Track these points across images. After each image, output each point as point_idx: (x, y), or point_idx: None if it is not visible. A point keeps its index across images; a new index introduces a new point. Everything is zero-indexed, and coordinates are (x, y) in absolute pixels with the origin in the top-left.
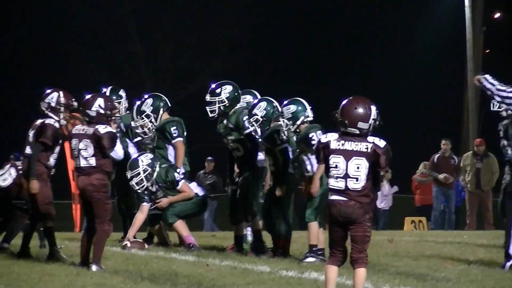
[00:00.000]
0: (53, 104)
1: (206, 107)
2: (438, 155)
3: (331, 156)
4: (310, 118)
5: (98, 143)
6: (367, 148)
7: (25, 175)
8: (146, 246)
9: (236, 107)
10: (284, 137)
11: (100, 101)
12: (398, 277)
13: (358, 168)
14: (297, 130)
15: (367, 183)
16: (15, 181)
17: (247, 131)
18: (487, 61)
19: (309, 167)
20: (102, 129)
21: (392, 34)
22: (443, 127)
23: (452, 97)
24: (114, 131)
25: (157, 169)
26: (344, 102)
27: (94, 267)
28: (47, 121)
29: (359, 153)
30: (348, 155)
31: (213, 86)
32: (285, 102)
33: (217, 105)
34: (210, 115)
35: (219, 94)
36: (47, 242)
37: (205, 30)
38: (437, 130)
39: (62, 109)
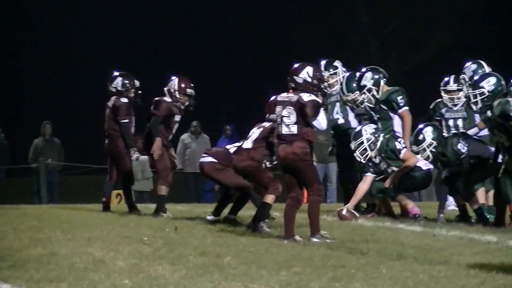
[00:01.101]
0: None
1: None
2: None
3: None
4: None
5: (301, 111)
6: None
7: None
8: (358, 216)
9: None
10: None
11: (309, 69)
12: None
13: None
14: None
15: None
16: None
17: None
18: None
19: None
20: (306, 97)
21: None
22: None
23: None
24: (318, 100)
25: (381, 138)
26: None
27: (314, 240)
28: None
29: None
30: None
31: (476, 78)
32: None
33: (478, 97)
34: (474, 107)
35: (482, 86)
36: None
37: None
38: None
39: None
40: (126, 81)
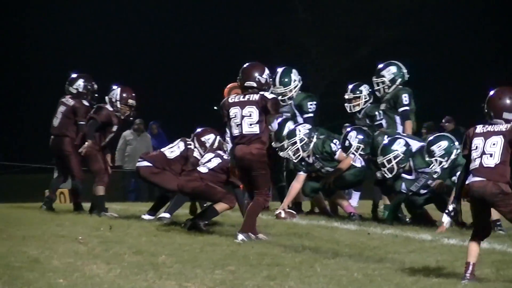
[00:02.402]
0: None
1: None
2: None
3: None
4: None
5: (265, 109)
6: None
7: None
8: (296, 215)
9: None
10: None
11: (262, 69)
12: None
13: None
14: None
15: None
16: (183, 155)
17: None
18: None
19: None
20: (268, 94)
21: None
22: None
23: None
24: (278, 98)
25: (314, 139)
26: (490, 93)
27: (240, 237)
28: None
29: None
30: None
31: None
32: None
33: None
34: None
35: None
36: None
37: None
38: None
39: None
40: (87, 84)
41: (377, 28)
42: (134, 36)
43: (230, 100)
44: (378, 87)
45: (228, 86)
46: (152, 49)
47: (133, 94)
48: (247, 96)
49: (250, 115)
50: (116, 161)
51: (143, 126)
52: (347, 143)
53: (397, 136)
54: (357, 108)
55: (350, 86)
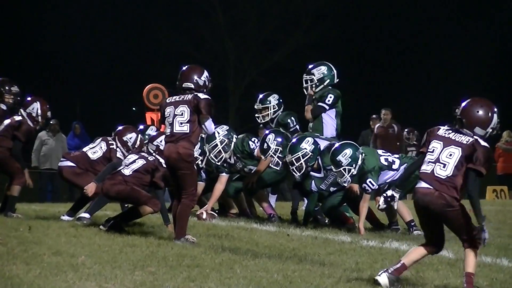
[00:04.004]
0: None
1: None
2: None
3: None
4: None
5: (197, 108)
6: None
7: None
8: (217, 217)
9: None
10: None
11: (199, 72)
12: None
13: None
14: None
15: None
16: (105, 155)
17: None
18: None
19: None
20: (202, 95)
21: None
22: None
23: None
24: (211, 99)
25: (234, 140)
26: (468, 101)
27: (177, 242)
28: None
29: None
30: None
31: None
32: None
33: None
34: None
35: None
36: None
37: (289, 0)
38: None
39: None
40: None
41: (295, 31)
42: (55, 37)
43: (167, 101)
44: (306, 85)
45: (147, 87)
46: (74, 51)
47: (48, 106)
48: (182, 96)
49: (181, 114)
50: (32, 162)
51: (58, 126)
52: (265, 145)
53: (306, 134)
54: (267, 119)
55: (260, 96)
